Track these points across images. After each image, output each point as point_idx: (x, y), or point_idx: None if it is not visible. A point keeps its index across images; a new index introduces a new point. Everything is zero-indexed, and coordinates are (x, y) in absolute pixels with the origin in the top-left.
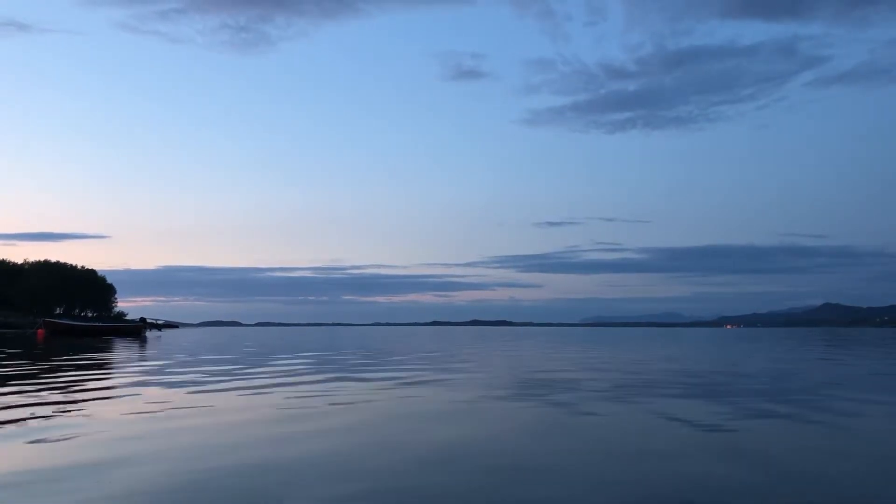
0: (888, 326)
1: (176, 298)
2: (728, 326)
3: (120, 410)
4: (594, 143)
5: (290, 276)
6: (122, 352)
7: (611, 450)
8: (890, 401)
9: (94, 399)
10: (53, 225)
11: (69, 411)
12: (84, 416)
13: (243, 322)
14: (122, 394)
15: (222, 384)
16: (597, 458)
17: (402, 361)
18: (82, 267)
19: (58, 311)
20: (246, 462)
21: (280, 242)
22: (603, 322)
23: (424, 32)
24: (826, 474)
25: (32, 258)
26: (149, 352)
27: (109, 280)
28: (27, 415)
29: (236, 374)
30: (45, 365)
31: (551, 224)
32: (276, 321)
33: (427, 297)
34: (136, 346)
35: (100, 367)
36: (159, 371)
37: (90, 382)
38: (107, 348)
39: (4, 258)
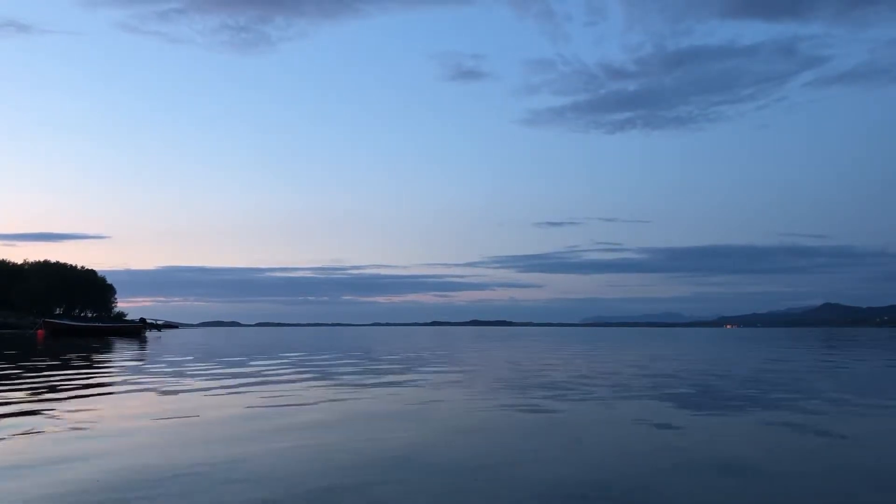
0: (888, 326)
1: (176, 299)
2: (728, 326)
3: (83, 408)
4: (594, 143)
5: (290, 277)
6: (111, 352)
7: (549, 444)
8: (866, 403)
9: (66, 398)
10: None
11: (36, 412)
12: (47, 416)
13: (243, 322)
14: (91, 393)
15: (197, 384)
16: (515, 453)
17: (386, 361)
18: (82, 267)
19: (58, 312)
20: (155, 464)
21: (280, 243)
22: (603, 322)
23: (424, 33)
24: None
25: (32, 258)
26: (139, 352)
27: (109, 280)
28: None
29: (217, 375)
30: (28, 364)
31: (551, 224)
32: (276, 321)
33: (427, 298)
34: (134, 346)
35: (83, 367)
36: (138, 371)
37: (69, 382)
38: (101, 349)
39: (4, 258)
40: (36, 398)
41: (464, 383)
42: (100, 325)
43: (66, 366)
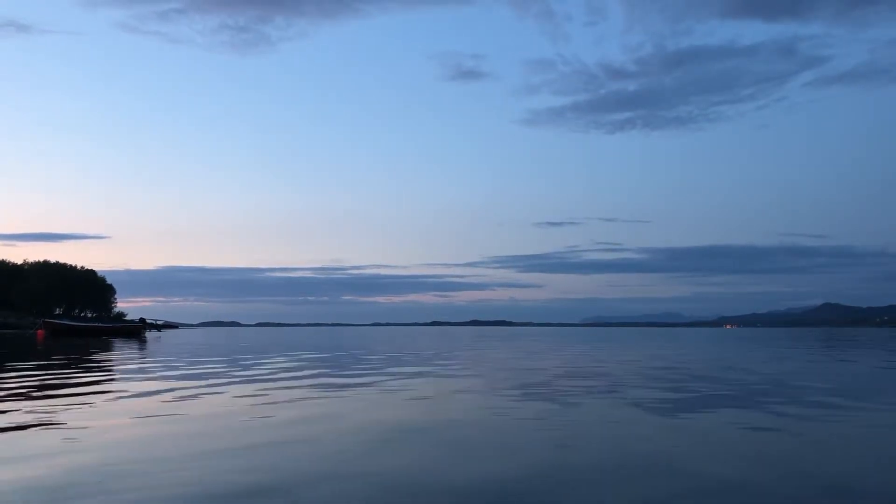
0: (888, 326)
1: (175, 299)
2: (727, 326)
3: (46, 406)
4: (594, 143)
5: (290, 277)
6: (108, 352)
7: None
8: (846, 406)
9: (47, 397)
10: (53, 225)
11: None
12: (24, 413)
13: (243, 322)
14: (66, 392)
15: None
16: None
17: (366, 362)
18: (82, 267)
19: (57, 312)
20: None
21: (280, 243)
22: (603, 322)
23: (424, 33)
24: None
25: (32, 259)
26: (136, 353)
27: (109, 280)
28: None
29: (212, 375)
30: (19, 365)
31: (551, 224)
32: (276, 321)
33: (427, 298)
34: (133, 346)
35: (70, 366)
36: (129, 371)
37: (55, 381)
38: (100, 349)
39: (4, 259)
40: (14, 398)
41: (416, 389)
42: (100, 325)
43: (54, 366)
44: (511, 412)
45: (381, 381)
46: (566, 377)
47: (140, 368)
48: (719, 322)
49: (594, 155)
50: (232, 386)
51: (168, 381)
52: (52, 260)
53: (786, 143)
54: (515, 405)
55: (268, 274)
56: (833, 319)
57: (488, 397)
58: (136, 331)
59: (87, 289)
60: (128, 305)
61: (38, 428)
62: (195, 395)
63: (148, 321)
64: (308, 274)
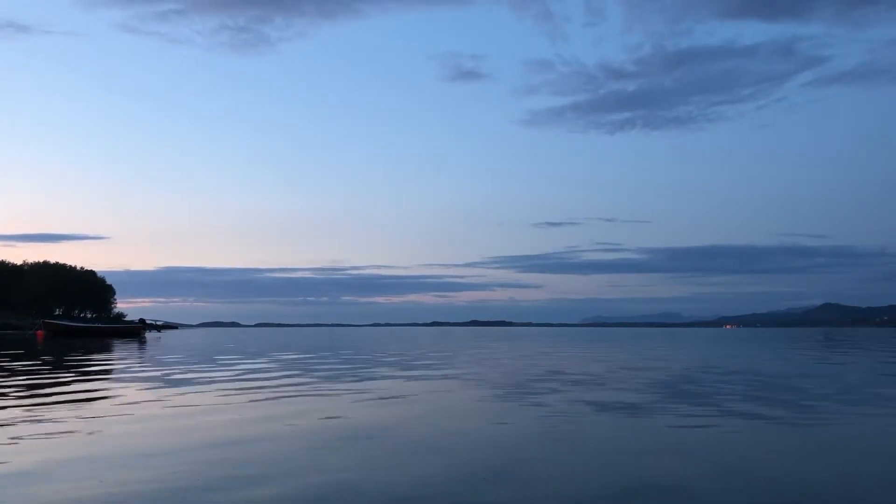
0: (888, 326)
1: (175, 299)
2: (727, 326)
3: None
4: (594, 143)
5: (290, 277)
6: (105, 352)
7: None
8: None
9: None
10: (52, 226)
11: None
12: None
13: (243, 323)
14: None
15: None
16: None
17: (347, 363)
18: (81, 268)
19: (57, 313)
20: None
21: (279, 243)
22: (603, 322)
23: (423, 33)
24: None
25: (32, 259)
26: (131, 353)
27: (109, 281)
28: None
29: (193, 372)
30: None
31: (551, 224)
32: (276, 322)
33: (427, 298)
34: (133, 347)
35: (58, 366)
36: (122, 370)
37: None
38: (98, 349)
39: (3, 259)
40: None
41: (384, 390)
42: (99, 325)
43: (44, 366)
44: (473, 415)
45: (353, 382)
46: (539, 380)
47: (105, 370)
48: (719, 322)
49: (594, 155)
50: (195, 387)
51: (128, 382)
52: (52, 260)
53: (785, 143)
54: (480, 407)
55: (267, 274)
56: (833, 319)
57: (454, 399)
58: (135, 331)
59: (87, 289)
60: (127, 306)
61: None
62: (149, 399)
63: (147, 322)
64: (308, 274)
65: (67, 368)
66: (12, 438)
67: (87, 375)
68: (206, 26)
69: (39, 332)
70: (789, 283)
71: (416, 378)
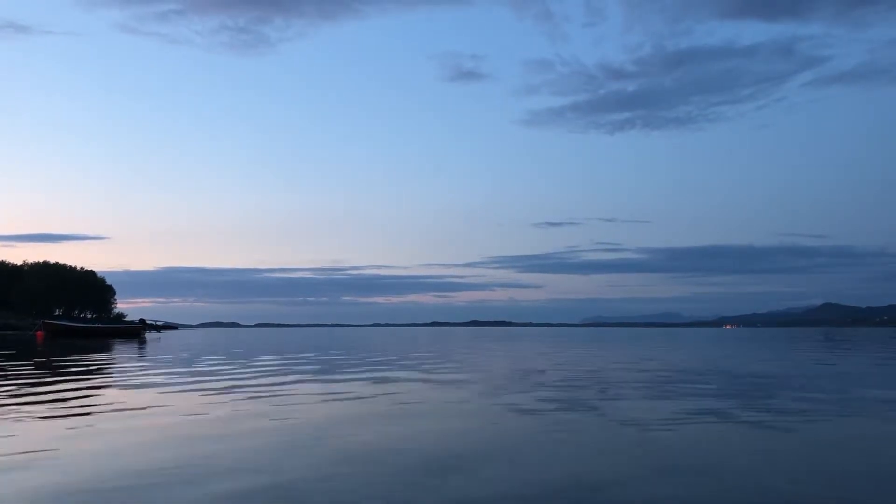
0: (888, 326)
1: (175, 300)
2: (727, 326)
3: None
4: (594, 143)
5: (290, 277)
6: (104, 353)
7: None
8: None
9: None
10: (52, 226)
11: None
12: None
13: (243, 323)
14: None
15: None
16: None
17: (328, 364)
18: (81, 268)
19: (57, 313)
20: None
21: (279, 243)
22: (603, 322)
23: (423, 34)
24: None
25: (31, 259)
26: (130, 354)
27: (109, 281)
28: None
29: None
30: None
31: (551, 224)
32: (276, 322)
33: (427, 298)
34: (133, 347)
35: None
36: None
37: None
38: (96, 350)
39: (3, 259)
40: None
41: (354, 391)
42: (99, 326)
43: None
44: (435, 419)
45: (327, 383)
46: (517, 380)
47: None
48: (719, 322)
49: (594, 155)
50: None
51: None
52: (52, 261)
53: (785, 144)
54: (447, 409)
55: (267, 275)
56: (833, 319)
57: (418, 402)
58: (135, 332)
59: (87, 290)
60: (127, 306)
61: None
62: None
63: (147, 322)
64: (307, 274)
65: (55, 369)
66: None
67: (73, 376)
68: (206, 27)
69: (39, 332)
70: (789, 283)
71: (390, 380)
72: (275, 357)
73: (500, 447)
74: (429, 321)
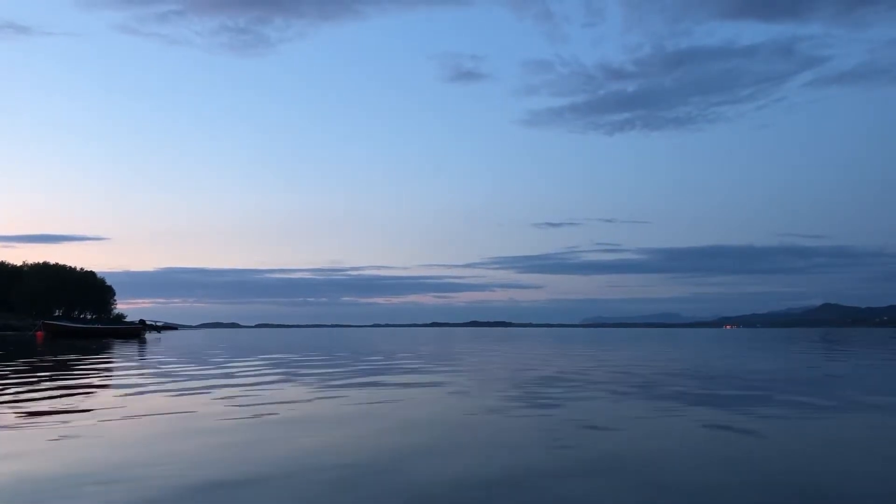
0: (888, 326)
1: (175, 300)
2: (727, 327)
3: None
4: (593, 143)
5: (290, 278)
6: (102, 353)
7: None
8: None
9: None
10: (52, 227)
11: None
12: None
13: (243, 324)
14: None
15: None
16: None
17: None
18: (81, 269)
19: (57, 313)
20: None
21: (279, 244)
22: (603, 323)
23: (423, 34)
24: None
25: (31, 260)
26: (127, 354)
27: (108, 282)
28: None
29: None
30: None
31: (551, 225)
32: (276, 323)
33: (427, 299)
34: (133, 347)
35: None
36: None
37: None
38: (95, 350)
39: (3, 260)
40: None
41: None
42: (99, 326)
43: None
44: (385, 422)
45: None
46: (494, 384)
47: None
48: (719, 322)
49: (593, 155)
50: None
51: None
52: (52, 261)
53: (785, 144)
54: (404, 411)
55: (267, 275)
56: (833, 320)
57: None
58: (135, 332)
59: (87, 290)
60: (127, 307)
61: None
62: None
63: (147, 323)
64: (307, 275)
65: (45, 370)
66: None
67: (61, 377)
68: (206, 27)
69: (39, 333)
70: (789, 284)
71: (377, 384)
72: (265, 356)
73: (440, 444)
74: (429, 322)
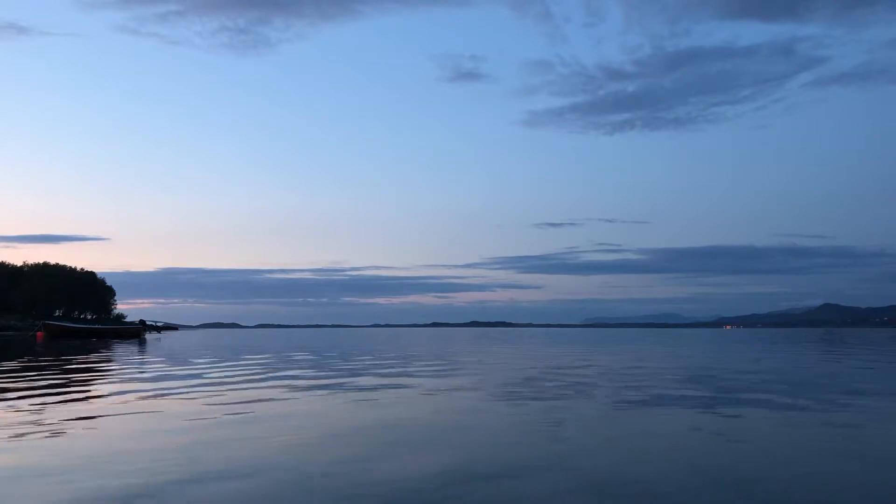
0: (888, 327)
1: (175, 300)
2: (727, 327)
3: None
4: (593, 144)
5: (290, 278)
6: (102, 353)
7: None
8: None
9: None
10: (52, 227)
11: None
12: None
13: (243, 324)
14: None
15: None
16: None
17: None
18: (81, 269)
19: (57, 314)
20: None
21: (279, 244)
22: (603, 323)
23: (423, 34)
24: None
25: (32, 260)
26: (126, 354)
27: (109, 282)
28: None
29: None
30: None
31: (551, 225)
32: (276, 323)
33: (427, 299)
34: (133, 348)
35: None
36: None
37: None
38: (95, 350)
39: (3, 260)
40: None
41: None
42: (99, 327)
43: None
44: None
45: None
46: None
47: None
48: (719, 323)
49: (593, 156)
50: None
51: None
52: (52, 262)
53: (785, 144)
54: (369, 413)
55: (267, 275)
56: (833, 320)
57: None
58: (136, 333)
59: (87, 291)
60: (127, 307)
61: None
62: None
63: (148, 323)
64: (307, 275)
65: (40, 370)
66: None
67: (52, 376)
68: (206, 28)
69: (39, 333)
70: (789, 284)
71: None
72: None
73: (409, 438)
74: (429, 322)
